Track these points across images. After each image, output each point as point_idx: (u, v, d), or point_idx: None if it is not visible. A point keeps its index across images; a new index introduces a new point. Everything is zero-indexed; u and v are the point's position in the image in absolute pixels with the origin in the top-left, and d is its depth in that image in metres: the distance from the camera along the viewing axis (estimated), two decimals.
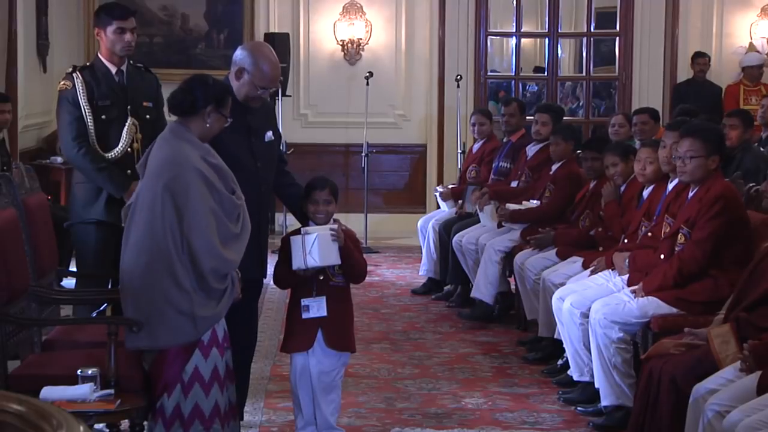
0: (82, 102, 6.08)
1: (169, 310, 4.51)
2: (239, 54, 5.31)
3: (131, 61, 6.35)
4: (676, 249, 5.64)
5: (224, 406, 4.72)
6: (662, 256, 5.76)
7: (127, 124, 6.15)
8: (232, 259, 4.62)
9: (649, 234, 6.15)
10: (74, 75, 6.15)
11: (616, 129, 8.87)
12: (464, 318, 8.37)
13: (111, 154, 6.10)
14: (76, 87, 6.10)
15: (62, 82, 6.20)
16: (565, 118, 10.49)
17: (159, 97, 6.37)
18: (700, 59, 12.64)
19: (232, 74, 5.28)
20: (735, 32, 13.10)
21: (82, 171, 6.16)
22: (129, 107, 6.20)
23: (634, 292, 5.77)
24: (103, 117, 6.13)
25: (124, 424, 5.00)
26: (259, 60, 5.27)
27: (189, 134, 4.65)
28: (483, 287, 8.22)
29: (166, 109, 5.28)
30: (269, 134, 5.44)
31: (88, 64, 6.45)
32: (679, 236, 5.64)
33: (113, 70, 6.23)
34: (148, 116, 6.22)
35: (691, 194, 5.69)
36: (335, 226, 5.12)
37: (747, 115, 8.45)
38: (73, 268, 7.93)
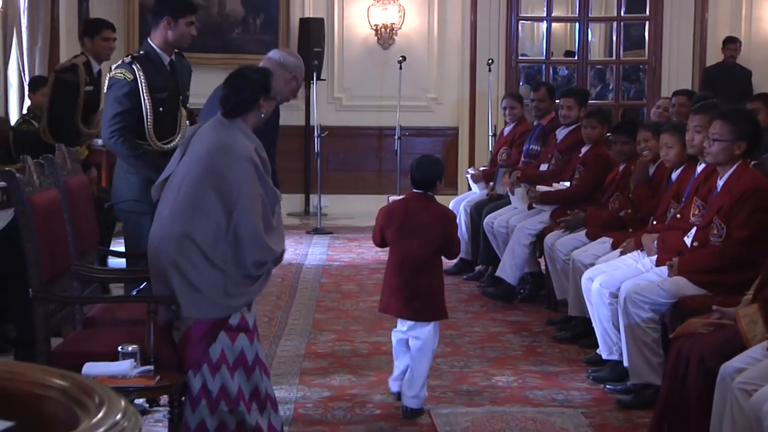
0: (144, 96, 5.90)
1: (203, 286, 4.53)
2: (293, 61, 5.55)
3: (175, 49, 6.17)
4: (711, 239, 5.65)
5: (250, 391, 4.72)
6: (695, 244, 5.80)
7: (182, 114, 6.14)
8: (275, 249, 4.65)
9: (678, 216, 6.19)
10: (134, 67, 5.91)
11: (660, 111, 8.92)
12: (487, 296, 8.47)
13: (169, 146, 5.97)
14: (139, 81, 5.91)
15: (120, 71, 5.94)
16: (594, 101, 10.48)
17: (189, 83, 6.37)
18: (731, 44, 12.57)
19: (283, 77, 5.47)
20: (765, 16, 13.06)
21: (121, 158, 6.01)
22: (180, 97, 6.16)
23: (669, 266, 5.82)
24: (161, 109, 5.99)
25: (163, 399, 5.12)
26: (303, 70, 5.61)
27: (244, 125, 4.72)
28: (508, 268, 8.31)
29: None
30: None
31: (141, 53, 6.08)
32: (712, 227, 5.67)
33: (166, 60, 6.08)
34: (187, 104, 6.23)
35: (720, 182, 5.69)
36: None
37: None
38: (113, 247, 8.06)
